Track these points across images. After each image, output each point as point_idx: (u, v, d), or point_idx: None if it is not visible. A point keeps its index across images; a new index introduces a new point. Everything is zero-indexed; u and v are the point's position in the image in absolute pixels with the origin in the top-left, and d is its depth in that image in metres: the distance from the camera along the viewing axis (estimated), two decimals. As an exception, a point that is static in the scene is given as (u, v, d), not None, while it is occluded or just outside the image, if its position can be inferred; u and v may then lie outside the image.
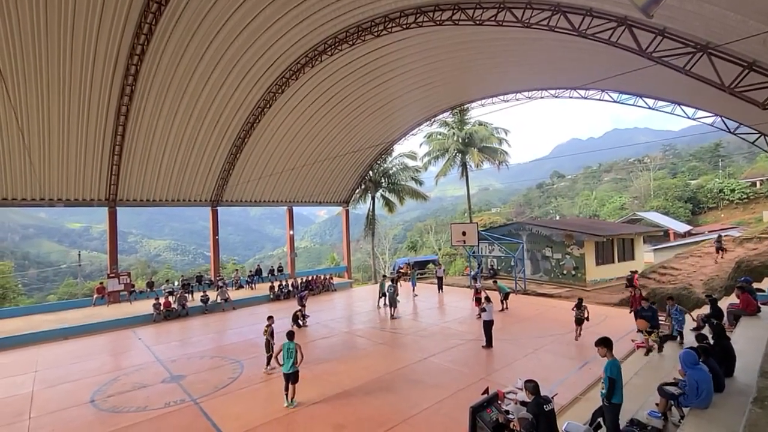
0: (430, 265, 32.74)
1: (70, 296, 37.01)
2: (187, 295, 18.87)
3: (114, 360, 12.21)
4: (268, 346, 10.22)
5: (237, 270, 29.58)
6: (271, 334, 10.26)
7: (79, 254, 43.04)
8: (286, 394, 8.22)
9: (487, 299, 12.11)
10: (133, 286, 20.99)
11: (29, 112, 14.63)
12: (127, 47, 13.86)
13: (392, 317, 15.88)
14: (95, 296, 19.60)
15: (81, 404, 8.70)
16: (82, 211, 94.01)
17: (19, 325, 15.75)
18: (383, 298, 17.10)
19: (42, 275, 63.29)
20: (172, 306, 17.42)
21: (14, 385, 10.04)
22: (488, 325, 11.62)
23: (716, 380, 5.47)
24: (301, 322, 14.99)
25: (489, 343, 11.58)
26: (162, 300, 17.38)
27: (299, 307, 15.84)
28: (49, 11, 11.75)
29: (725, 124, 16.68)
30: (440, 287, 21.35)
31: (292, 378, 8.17)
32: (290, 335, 8.57)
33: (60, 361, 11.91)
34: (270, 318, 10.66)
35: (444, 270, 23.40)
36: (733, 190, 47.49)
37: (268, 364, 10.29)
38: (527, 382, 5.39)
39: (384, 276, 17.78)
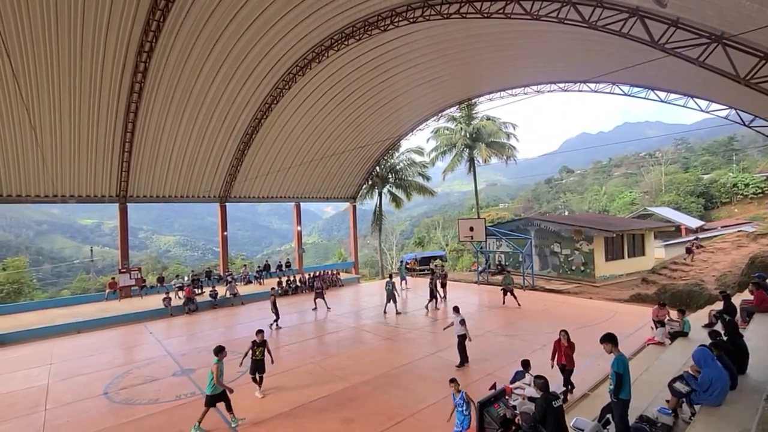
0: (438, 261, 32.72)
1: (83, 291, 37.76)
2: (196, 290, 19.10)
3: (126, 353, 12.45)
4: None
5: (245, 265, 29.91)
6: (256, 348, 8.63)
7: (92, 250, 43.86)
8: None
9: (456, 309, 10.32)
10: (144, 281, 21.31)
11: (41, 110, 14.86)
12: (135, 45, 13.98)
13: (385, 312, 15.94)
14: (107, 291, 19.94)
15: (95, 396, 8.89)
16: (93, 208, 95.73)
17: (35, 319, 16.09)
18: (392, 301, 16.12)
19: (56, 270, 64.51)
20: (193, 295, 17.97)
21: (30, 377, 10.28)
22: (461, 341, 9.87)
23: (729, 377, 5.40)
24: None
25: (463, 361, 9.87)
26: (171, 294, 17.67)
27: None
28: (59, 10, 11.88)
29: (740, 116, 16.31)
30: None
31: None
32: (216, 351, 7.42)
33: (74, 354, 12.17)
34: (260, 332, 8.94)
35: (436, 265, 23.50)
36: (747, 185, 46.58)
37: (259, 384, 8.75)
38: (536, 378, 5.37)
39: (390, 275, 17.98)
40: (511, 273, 17.84)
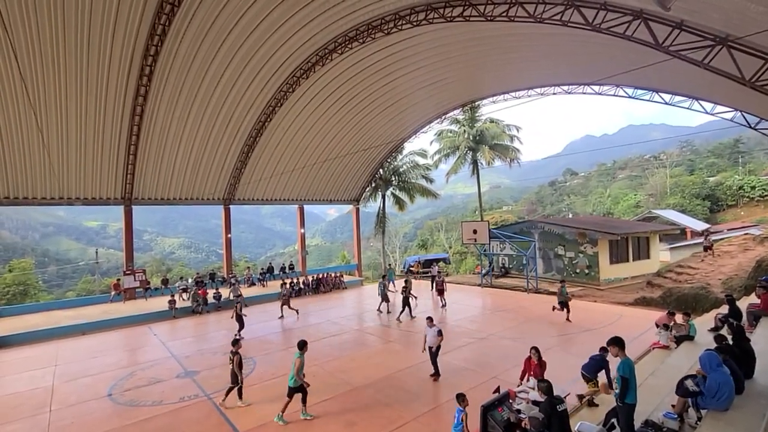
0: (441, 263, 32.63)
1: (88, 293, 37.96)
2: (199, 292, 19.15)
3: (130, 355, 12.50)
4: (235, 378, 8.06)
5: (249, 268, 29.98)
6: (239, 365, 8.01)
7: (97, 252, 44.06)
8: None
9: (430, 320, 9.70)
10: (149, 283, 21.39)
11: (48, 112, 15.01)
12: (141, 48, 14.11)
13: (379, 311, 16.35)
14: (112, 293, 20.07)
15: (99, 398, 8.93)
16: (99, 210, 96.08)
17: (40, 320, 16.21)
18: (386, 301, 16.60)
19: (61, 272, 64.94)
20: (208, 298, 18.25)
21: (36, 378, 10.35)
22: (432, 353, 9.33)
23: (736, 382, 5.34)
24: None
25: (436, 372, 9.34)
26: (176, 296, 17.75)
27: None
28: (66, 14, 12.03)
29: (745, 119, 16.22)
30: (433, 286, 20.74)
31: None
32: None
33: (79, 355, 12.24)
34: (236, 343, 8.40)
35: (438, 269, 23.32)
36: (753, 187, 46.21)
37: (240, 397, 8.24)
38: (540, 381, 5.34)
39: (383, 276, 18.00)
40: (566, 283, 15.25)
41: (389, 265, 28.18)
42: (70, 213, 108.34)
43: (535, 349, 7.51)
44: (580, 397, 7.26)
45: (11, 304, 24.91)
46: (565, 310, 14.13)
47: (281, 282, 20.10)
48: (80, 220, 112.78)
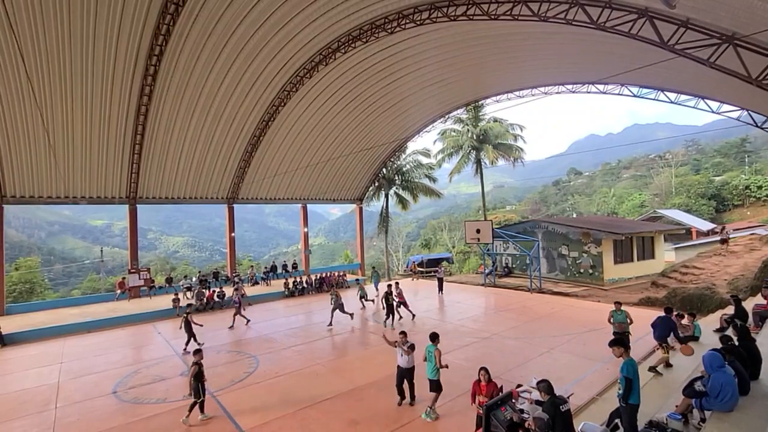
0: (445, 263, 32.60)
1: (93, 291, 38.26)
2: (204, 291, 19.26)
3: (135, 353, 12.59)
4: (197, 390, 7.44)
5: (252, 266, 30.08)
6: (194, 376, 7.43)
7: (102, 250, 44.45)
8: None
9: (403, 334, 8.01)
10: (153, 281, 21.53)
11: (54, 112, 15.13)
12: (146, 48, 14.19)
13: (362, 305, 16.86)
14: (117, 291, 20.21)
15: (104, 395, 9.00)
16: (104, 209, 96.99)
17: (46, 318, 16.35)
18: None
19: (67, 270, 65.45)
20: (215, 298, 18.43)
21: (42, 375, 10.44)
22: (404, 374, 7.84)
23: (741, 383, 5.31)
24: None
25: (402, 396, 7.96)
26: (180, 295, 17.84)
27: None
28: (72, 14, 12.11)
29: (752, 117, 16.10)
30: (440, 288, 20.30)
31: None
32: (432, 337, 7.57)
33: (84, 353, 12.33)
34: (198, 353, 7.81)
35: (444, 270, 23.07)
36: (760, 187, 45.89)
37: (201, 411, 7.61)
38: (540, 382, 5.31)
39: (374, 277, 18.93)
40: (622, 305, 10.49)
41: (373, 267, 28.10)
42: (76, 212, 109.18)
43: (485, 369, 6.54)
44: (652, 368, 7.88)
45: (18, 302, 25.13)
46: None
47: (234, 287, 17.75)
48: (85, 219, 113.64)
